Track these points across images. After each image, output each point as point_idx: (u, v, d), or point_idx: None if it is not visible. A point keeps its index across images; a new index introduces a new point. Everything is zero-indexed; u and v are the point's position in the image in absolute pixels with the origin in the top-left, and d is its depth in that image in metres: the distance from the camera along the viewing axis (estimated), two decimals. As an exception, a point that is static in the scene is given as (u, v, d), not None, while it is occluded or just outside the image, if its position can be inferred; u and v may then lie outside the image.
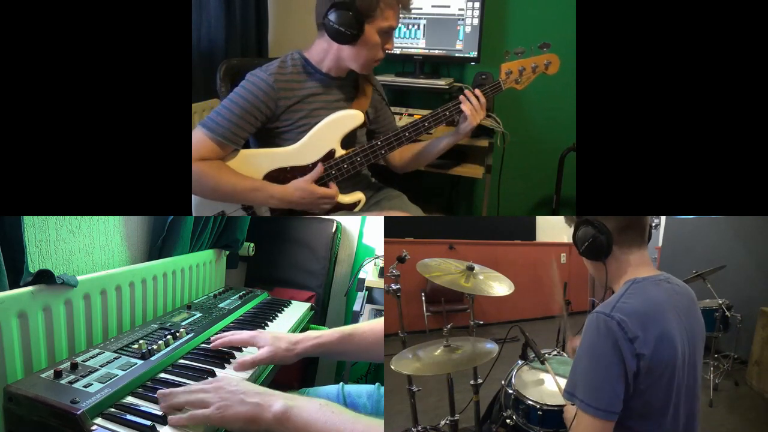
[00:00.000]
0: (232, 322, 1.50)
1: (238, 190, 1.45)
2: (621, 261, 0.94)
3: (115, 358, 1.06)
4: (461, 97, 1.54)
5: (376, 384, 1.35)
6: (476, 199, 2.87)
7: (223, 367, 1.15)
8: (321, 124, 1.50)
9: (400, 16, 1.48)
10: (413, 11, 2.41)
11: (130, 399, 0.95)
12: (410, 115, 2.36)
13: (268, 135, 1.52)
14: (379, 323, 1.25)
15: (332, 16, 1.38)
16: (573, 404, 0.84)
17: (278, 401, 0.83)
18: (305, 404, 0.84)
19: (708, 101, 1.05)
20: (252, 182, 1.47)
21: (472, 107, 1.52)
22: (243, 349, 1.26)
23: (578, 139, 1.11)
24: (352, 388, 1.33)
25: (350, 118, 1.53)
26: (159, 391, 0.92)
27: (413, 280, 3.09)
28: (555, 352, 1.51)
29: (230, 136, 1.41)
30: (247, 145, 1.53)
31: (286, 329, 1.54)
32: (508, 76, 1.57)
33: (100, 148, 1.01)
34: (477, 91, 1.54)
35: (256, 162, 1.50)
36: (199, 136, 1.39)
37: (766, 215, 1.04)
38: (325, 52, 1.48)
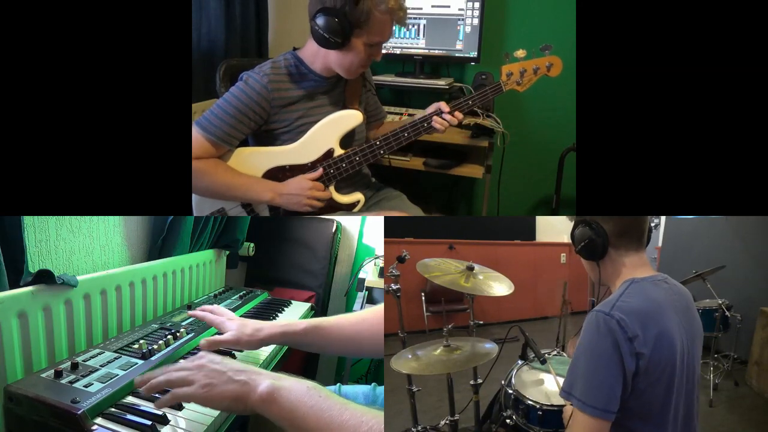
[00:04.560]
0: (232, 322, 1.50)
1: (235, 186, 1.45)
2: (617, 262, 0.95)
3: (116, 358, 1.06)
4: (435, 119, 1.53)
5: (372, 384, 1.35)
6: (476, 199, 2.87)
7: (223, 367, 1.15)
8: (320, 123, 1.50)
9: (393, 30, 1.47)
10: (413, 11, 2.41)
11: (130, 399, 0.95)
12: (410, 115, 2.36)
13: (267, 136, 1.52)
14: (348, 319, 1.22)
15: (319, 21, 1.36)
16: (570, 403, 0.84)
17: (265, 381, 0.80)
18: (293, 385, 0.80)
19: (707, 101, 1.05)
20: (247, 178, 1.47)
21: (444, 124, 1.53)
22: None
23: (578, 139, 1.11)
24: (349, 389, 1.33)
25: (349, 117, 1.53)
26: (135, 378, 0.87)
27: (413, 280, 3.09)
28: (555, 352, 1.51)
29: (223, 136, 1.41)
30: (247, 146, 1.53)
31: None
32: (508, 78, 1.57)
33: (100, 149, 1.01)
34: (455, 115, 1.53)
35: (255, 160, 1.50)
36: (193, 135, 1.40)
37: (766, 215, 1.04)
38: (315, 53, 1.48)
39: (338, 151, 1.52)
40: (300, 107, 1.49)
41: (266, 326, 1.18)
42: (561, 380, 1.20)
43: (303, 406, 0.77)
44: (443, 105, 1.55)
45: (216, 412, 0.96)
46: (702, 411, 0.95)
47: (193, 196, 1.49)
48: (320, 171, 1.50)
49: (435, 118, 1.54)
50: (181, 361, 0.91)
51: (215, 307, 1.28)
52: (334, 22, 1.35)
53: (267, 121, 1.47)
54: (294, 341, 1.19)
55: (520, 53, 1.55)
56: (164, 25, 1.02)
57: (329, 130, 1.51)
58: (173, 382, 0.83)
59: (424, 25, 2.42)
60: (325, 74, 1.51)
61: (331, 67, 1.48)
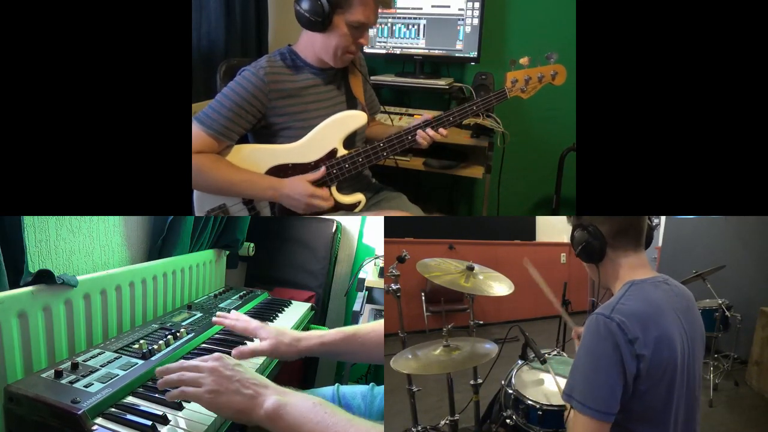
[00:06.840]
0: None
1: (236, 182, 1.45)
2: (616, 264, 0.95)
3: (116, 358, 1.06)
4: (419, 133, 1.53)
5: (371, 384, 1.35)
6: (476, 199, 2.87)
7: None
8: (324, 123, 1.50)
9: (380, 13, 1.47)
10: (413, 11, 2.41)
11: (130, 399, 0.95)
12: (410, 115, 2.36)
13: (268, 133, 1.52)
14: (380, 325, 1.25)
15: (303, 4, 1.39)
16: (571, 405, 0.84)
17: (272, 396, 0.82)
18: (299, 402, 0.82)
19: (707, 101, 1.05)
20: (249, 174, 1.47)
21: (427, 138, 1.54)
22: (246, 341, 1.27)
23: (578, 139, 1.11)
24: (347, 389, 1.33)
25: (353, 118, 1.53)
26: (158, 369, 0.89)
27: (413, 280, 3.09)
28: (555, 352, 1.51)
29: (223, 131, 1.41)
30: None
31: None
32: (513, 85, 1.57)
33: (100, 149, 1.01)
34: (440, 132, 1.54)
35: (257, 158, 1.50)
36: (193, 131, 1.40)
37: (766, 215, 1.04)
38: (308, 44, 1.50)
39: (341, 152, 1.52)
40: (298, 101, 1.49)
41: (304, 337, 1.19)
42: (561, 380, 1.20)
43: (309, 423, 0.78)
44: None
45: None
46: (702, 411, 0.95)
47: (195, 192, 1.49)
48: (322, 171, 1.50)
49: (419, 132, 1.53)
50: (198, 359, 0.89)
51: (237, 316, 1.27)
52: (315, 2, 1.37)
53: (265, 115, 1.47)
54: (331, 351, 1.21)
55: (525, 60, 1.54)
56: (164, 25, 1.02)
57: (333, 130, 1.51)
58: (185, 381, 0.84)
59: (424, 25, 2.42)
60: (319, 65, 1.52)
61: (320, 56, 1.49)
